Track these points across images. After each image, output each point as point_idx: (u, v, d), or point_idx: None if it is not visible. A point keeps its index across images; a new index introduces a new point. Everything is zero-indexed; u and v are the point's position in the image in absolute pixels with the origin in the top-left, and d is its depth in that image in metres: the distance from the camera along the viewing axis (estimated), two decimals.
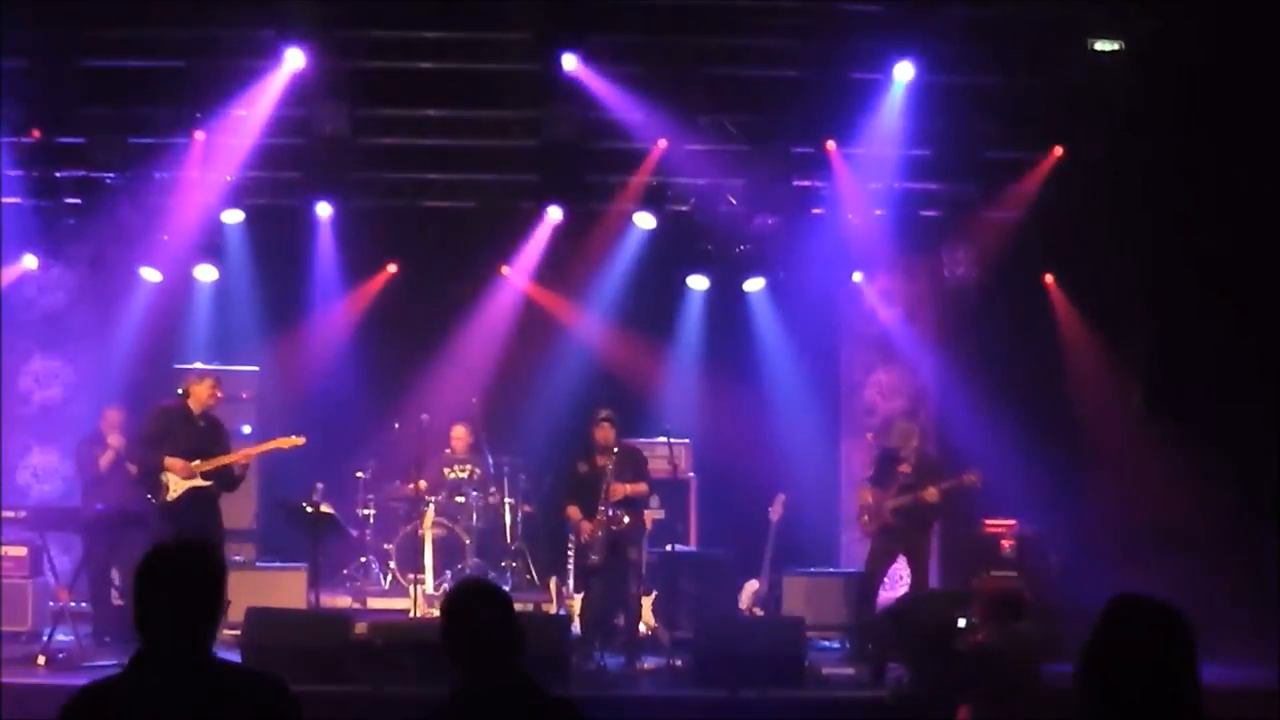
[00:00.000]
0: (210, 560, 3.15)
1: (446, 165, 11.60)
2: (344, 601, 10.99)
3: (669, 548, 10.65)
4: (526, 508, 11.69)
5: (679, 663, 9.30)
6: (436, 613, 4.91)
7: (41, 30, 9.87)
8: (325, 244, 11.93)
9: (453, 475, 11.66)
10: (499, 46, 10.36)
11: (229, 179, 11.05)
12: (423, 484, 10.99)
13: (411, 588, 10.33)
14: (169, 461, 9.21)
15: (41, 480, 11.93)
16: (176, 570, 3.08)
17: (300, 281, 12.15)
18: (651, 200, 11.42)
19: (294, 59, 10.01)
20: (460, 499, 11.49)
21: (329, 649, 8.45)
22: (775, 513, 10.58)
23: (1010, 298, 11.68)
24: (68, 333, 12.14)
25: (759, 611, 10.43)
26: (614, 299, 12.39)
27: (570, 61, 10.04)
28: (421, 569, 10.75)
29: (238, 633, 8.51)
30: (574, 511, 9.78)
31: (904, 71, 10.20)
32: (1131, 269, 10.88)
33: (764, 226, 11.31)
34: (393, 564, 11.35)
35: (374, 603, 11.06)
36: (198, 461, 9.26)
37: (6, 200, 10.90)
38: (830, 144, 10.79)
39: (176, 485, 9.22)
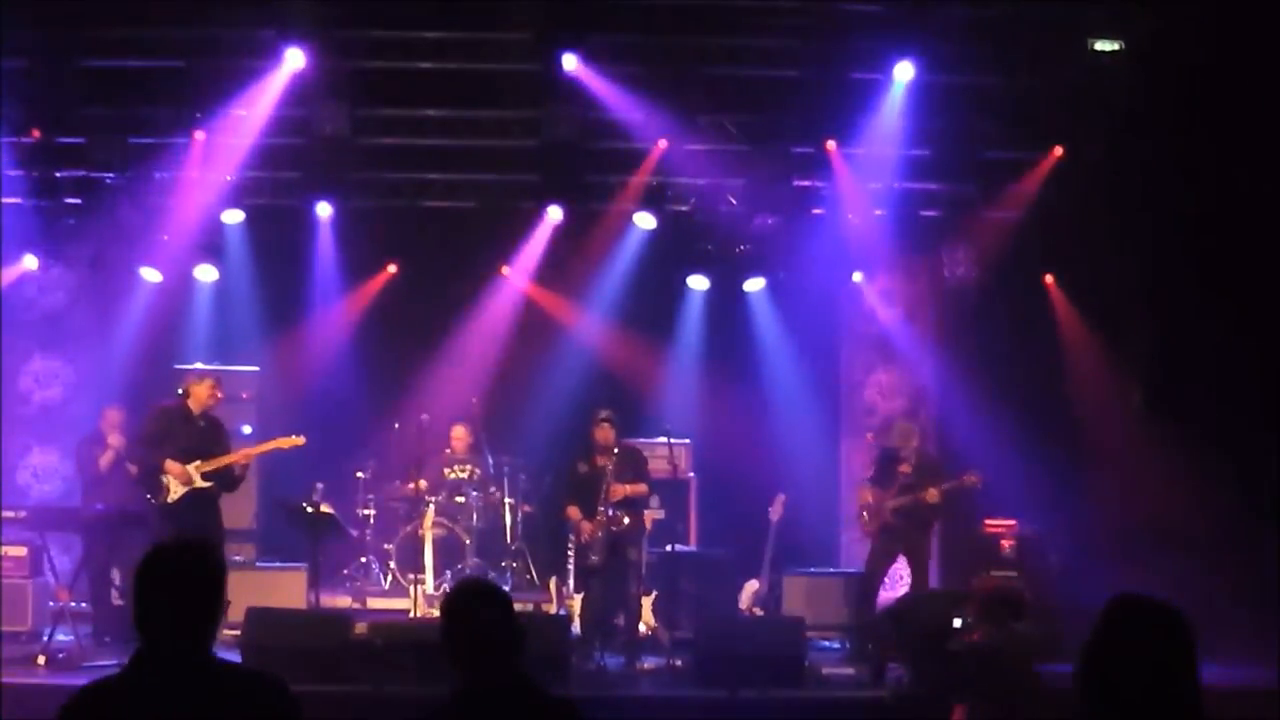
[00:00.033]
0: (210, 560, 3.15)
1: (446, 165, 11.60)
2: (344, 601, 10.99)
3: (669, 548, 10.65)
4: (526, 508, 11.69)
5: (679, 663, 9.30)
6: (436, 613, 4.91)
7: (41, 30, 9.88)
8: (325, 244, 11.93)
9: (453, 475, 11.66)
10: (499, 46, 10.36)
11: (229, 179, 11.05)
12: (423, 484, 10.99)
13: (411, 588, 10.33)
14: (168, 465, 9.21)
15: (41, 480, 11.94)
16: (176, 570, 3.08)
17: (300, 281, 12.15)
18: (651, 200, 11.42)
19: (294, 59, 10.01)
20: (460, 499, 11.49)
21: (329, 649, 8.46)
22: (775, 513, 10.59)
23: (1010, 298, 11.68)
24: (68, 333, 12.15)
25: (759, 611, 10.43)
26: (614, 299, 12.39)
27: (570, 61, 10.04)
28: (421, 569, 10.75)
29: (238, 633, 8.51)
30: (574, 512, 9.78)
31: (904, 71, 10.21)
32: (1131, 269, 10.88)
33: (764, 226, 11.31)
34: (393, 564, 11.35)
35: (374, 603, 11.06)
36: (197, 463, 9.26)
37: (6, 200, 10.90)
38: (830, 144, 10.79)
39: (176, 486, 9.23)
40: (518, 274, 12.50)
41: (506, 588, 8.18)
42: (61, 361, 12.15)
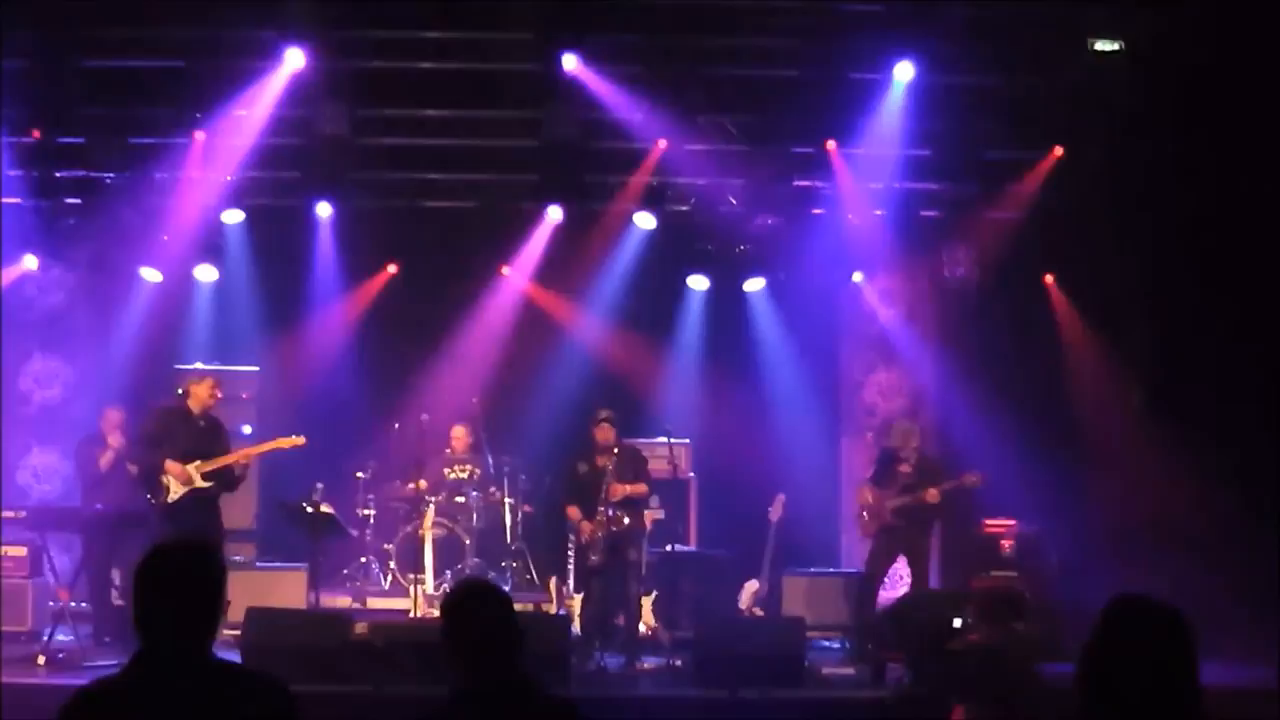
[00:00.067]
0: (210, 561, 3.15)
1: (446, 165, 11.61)
2: (344, 601, 10.99)
3: (669, 548, 10.66)
4: (526, 508, 11.69)
5: (679, 663, 9.30)
6: (436, 613, 4.91)
7: (41, 30, 9.87)
8: (325, 244, 11.93)
9: (453, 475, 11.67)
10: (499, 46, 10.36)
11: (229, 179, 11.05)
12: (423, 484, 10.98)
13: (411, 588, 10.33)
14: (168, 465, 9.21)
15: (41, 480, 11.93)
16: (177, 571, 3.08)
17: (300, 281, 12.14)
18: (651, 200, 11.41)
19: (294, 59, 10.01)
20: (460, 499, 11.50)
21: (329, 649, 8.45)
22: (775, 513, 10.59)
23: (1010, 298, 11.68)
24: (68, 333, 12.14)
25: (759, 611, 10.43)
26: (614, 299, 12.39)
27: (570, 61, 10.04)
28: (421, 569, 10.75)
29: (238, 633, 8.51)
30: (574, 512, 9.78)
31: (904, 71, 10.21)
32: (1131, 269, 10.88)
33: (764, 226, 11.30)
34: (393, 564, 11.35)
35: (374, 603, 11.06)
36: (197, 463, 9.25)
37: (6, 200, 10.89)
38: (830, 144, 10.79)
39: (176, 486, 9.22)
40: (518, 274, 12.50)
41: (506, 588, 8.22)
42: (61, 362, 12.14)
